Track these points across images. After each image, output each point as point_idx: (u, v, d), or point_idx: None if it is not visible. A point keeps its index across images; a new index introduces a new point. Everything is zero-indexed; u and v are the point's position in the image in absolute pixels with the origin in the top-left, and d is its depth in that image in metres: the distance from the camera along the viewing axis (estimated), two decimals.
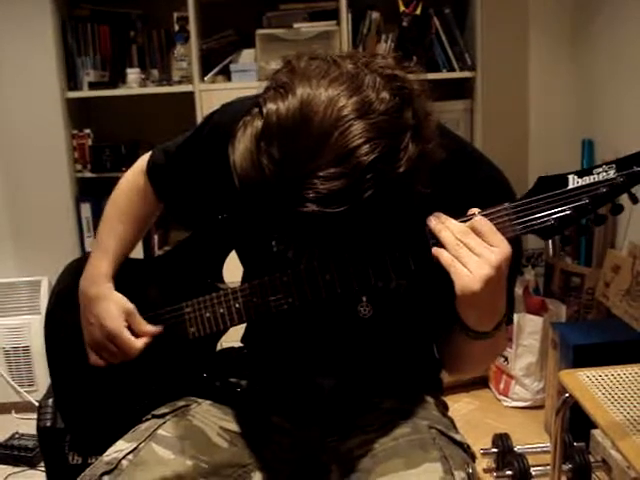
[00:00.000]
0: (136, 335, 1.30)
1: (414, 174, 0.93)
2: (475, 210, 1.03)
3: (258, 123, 0.92)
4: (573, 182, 1.03)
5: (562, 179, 1.03)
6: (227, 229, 1.30)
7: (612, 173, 1.01)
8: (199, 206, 1.34)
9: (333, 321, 1.24)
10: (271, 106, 0.92)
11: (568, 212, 1.02)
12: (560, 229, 1.03)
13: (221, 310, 1.24)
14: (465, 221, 1.03)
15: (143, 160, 1.41)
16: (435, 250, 1.02)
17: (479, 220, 1.01)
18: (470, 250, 0.99)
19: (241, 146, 0.93)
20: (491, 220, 1.02)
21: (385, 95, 0.92)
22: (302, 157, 0.89)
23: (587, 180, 1.02)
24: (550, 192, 1.03)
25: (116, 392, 1.38)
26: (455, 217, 1.03)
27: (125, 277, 1.37)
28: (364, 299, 1.19)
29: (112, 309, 1.31)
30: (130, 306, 1.31)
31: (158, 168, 1.37)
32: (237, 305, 1.22)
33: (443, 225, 1.02)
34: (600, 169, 1.02)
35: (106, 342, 1.31)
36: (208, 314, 1.25)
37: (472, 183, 1.14)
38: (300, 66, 0.96)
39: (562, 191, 1.02)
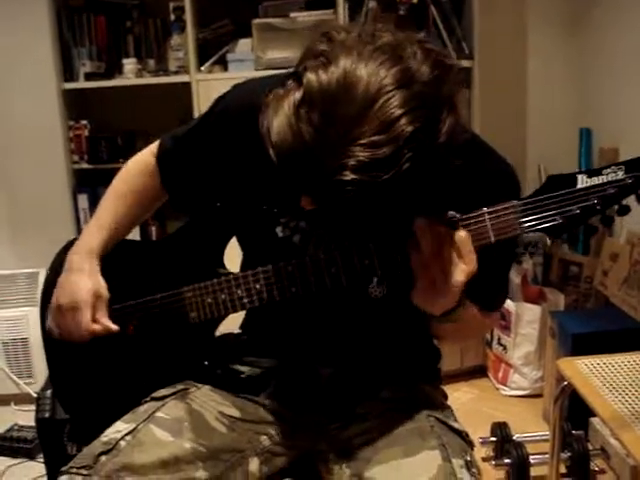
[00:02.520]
0: (95, 320, 1.30)
1: (449, 148, 0.93)
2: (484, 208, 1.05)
3: (296, 93, 0.91)
4: (582, 182, 1.03)
5: (571, 178, 1.04)
6: (230, 215, 1.29)
7: (621, 174, 1.03)
8: (206, 190, 1.34)
9: (341, 304, 1.23)
10: (312, 75, 0.91)
11: (576, 212, 1.03)
12: (568, 228, 1.04)
13: (223, 296, 1.23)
14: (477, 216, 1.04)
15: (155, 144, 1.40)
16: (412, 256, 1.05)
17: (463, 237, 1.02)
18: (440, 260, 1.03)
19: (277, 117, 0.92)
20: (499, 217, 1.04)
21: (426, 67, 0.92)
22: (344, 124, 0.88)
23: (596, 180, 1.03)
24: (559, 191, 1.04)
25: (114, 378, 1.37)
26: (462, 208, 1.05)
27: (125, 258, 1.37)
28: (374, 280, 1.20)
29: (88, 286, 1.30)
30: (104, 293, 1.31)
31: (167, 153, 1.36)
32: (240, 292, 1.22)
33: (427, 230, 1.03)
34: (609, 170, 1.03)
35: (67, 311, 1.30)
36: (209, 300, 1.25)
37: (483, 175, 1.15)
38: (340, 36, 0.95)
39: (571, 190, 1.03)
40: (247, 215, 1.27)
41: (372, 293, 1.20)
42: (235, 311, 1.24)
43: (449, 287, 1.03)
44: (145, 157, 1.40)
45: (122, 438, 1.18)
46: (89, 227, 1.38)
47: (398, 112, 0.88)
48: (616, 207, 1.03)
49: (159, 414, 1.23)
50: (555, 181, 1.05)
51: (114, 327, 1.30)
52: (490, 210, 1.05)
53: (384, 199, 0.91)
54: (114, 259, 1.36)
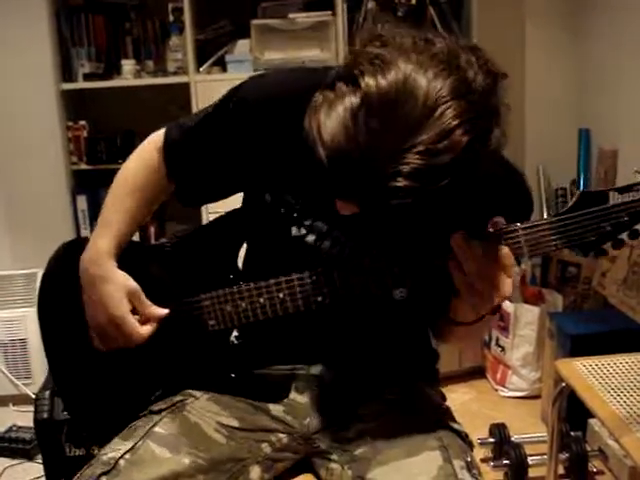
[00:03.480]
0: (142, 317, 1.26)
1: (495, 157, 0.95)
2: (518, 224, 1.06)
3: (352, 97, 0.91)
4: (614, 199, 1.04)
5: (603, 195, 1.05)
6: (245, 216, 1.28)
7: None
8: (218, 183, 1.31)
9: (358, 310, 1.22)
10: (370, 80, 0.90)
11: (608, 228, 1.04)
12: (599, 244, 1.05)
13: (244, 305, 1.22)
14: (511, 231, 1.05)
15: (158, 135, 1.34)
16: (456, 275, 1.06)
17: (507, 253, 1.04)
18: (487, 277, 1.04)
19: (331, 119, 0.91)
20: (534, 232, 1.05)
21: (481, 75, 0.93)
22: (402, 131, 0.88)
23: (627, 197, 1.04)
24: (592, 208, 1.05)
25: (123, 380, 1.35)
26: (480, 222, 1.06)
27: (138, 263, 1.33)
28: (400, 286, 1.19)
29: (116, 293, 1.25)
30: (134, 285, 1.26)
31: (175, 145, 1.32)
32: (262, 300, 1.20)
33: (469, 252, 1.04)
34: (639, 187, 1.04)
35: (110, 328, 1.26)
36: (229, 308, 1.23)
37: (504, 187, 1.15)
38: (394, 40, 0.95)
39: (603, 207, 1.05)
40: (262, 215, 1.26)
41: (396, 295, 1.20)
42: (257, 320, 1.22)
43: (498, 300, 1.05)
44: (147, 151, 1.35)
45: (121, 457, 1.16)
46: (97, 230, 1.32)
47: (455, 122, 0.89)
48: None
49: (156, 429, 1.22)
50: (587, 197, 1.06)
51: (164, 311, 1.26)
52: (524, 226, 1.06)
53: (431, 208, 0.92)
54: (126, 264, 1.31)
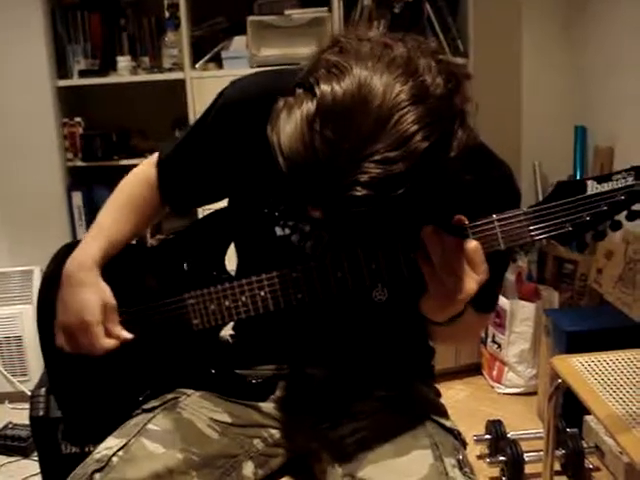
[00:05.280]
0: (107, 332, 1.27)
1: (459, 160, 0.93)
2: (494, 215, 1.05)
3: (309, 104, 0.90)
4: (592, 188, 1.03)
5: (581, 185, 1.04)
6: (231, 216, 1.28)
7: (630, 180, 1.02)
8: (208, 192, 1.32)
9: (342, 308, 1.23)
10: (325, 87, 0.89)
11: (587, 218, 1.03)
12: (577, 235, 1.04)
13: (227, 303, 1.22)
14: (486, 224, 1.04)
15: (154, 155, 1.37)
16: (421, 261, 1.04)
17: (474, 247, 1.02)
18: (452, 271, 1.02)
19: (289, 127, 0.90)
20: (509, 224, 1.04)
21: (440, 80, 0.91)
22: (358, 140, 0.87)
23: (606, 187, 1.03)
24: (569, 198, 1.03)
25: (115, 381, 1.36)
26: (465, 215, 1.04)
27: (124, 263, 1.34)
28: (379, 284, 1.19)
29: (94, 300, 1.26)
30: (112, 302, 1.27)
31: (167, 160, 1.33)
32: (244, 299, 1.20)
33: (438, 239, 1.02)
34: (619, 176, 1.03)
35: (79, 332, 1.27)
36: (213, 307, 1.23)
37: (487, 181, 1.14)
38: (351, 46, 0.94)
39: (581, 197, 1.03)
40: (246, 215, 1.26)
41: (376, 297, 1.20)
42: (239, 318, 1.22)
43: (461, 297, 1.02)
44: (145, 168, 1.37)
45: (114, 454, 1.16)
46: (89, 235, 1.34)
47: (413, 128, 0.87)
48: (625, 212, 1.03)
49: (150, 426, 1.22)
50: (564, 187, 1.04)
51: (129, 336, 1.27)
52: (500, 217, 1.05)
53: (395, 212, 0.91)
54: (113, 264, 1.33)
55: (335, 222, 0.95)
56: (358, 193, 0.87)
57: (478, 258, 1.02)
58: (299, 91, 0.92)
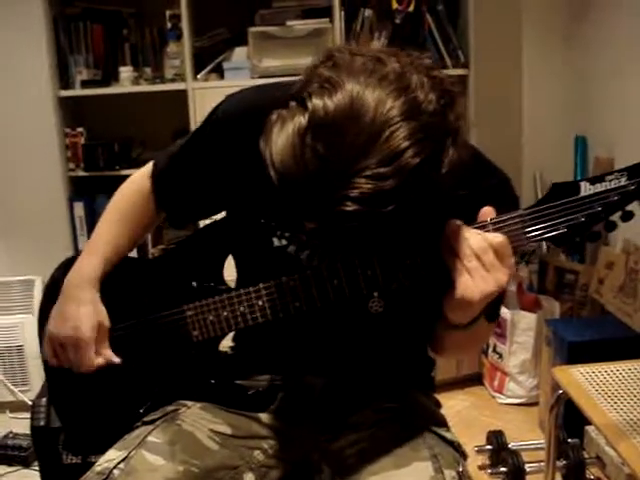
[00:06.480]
0: (97, 353, 1.28)
1: (452, 176, 0.93)
2: (489, 214, 1.05)
3: (301, 118, 0.90)
4: (585, 189, 1.03)
5: (574, 186, 1.04)
6: (228, 228, 1.28)
7: (624, 180, 1.03)
8: (204, 205, 1.33)
9: (340, 319, 1.23)
10: (317, 101, 0.90)
11: (581, 219, 1.03)
12: (572, 236, 1.04)
13: (225, 314, 1.22)
14: (481, 227, 1.04)
15: (149, 165, 1.37)
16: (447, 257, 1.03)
17: (502, 241, 1.02)
18: (482, 265, 1.01)
19: (281, 141, 0.91)
20: (504, 227, 1.04)
21: (432, 97, 0.92)
22: (349, 155, 0.87)
23: (599, 187, 1.03)
24: (563, 199, 1.04)
25: (115, 393, 1.36)
26: (465, 221, 1.04)
27: (123, 276, 1.35)
28: (375, 294, 1.19)
29: (90, 319, 1.28)
30: (106, 323, 1.29)
31: (162, 173, 1.34)
32: (242, 309, 1.20)
33: (463, 234, 1.02)
34: (612, 176, 1.03)
35: (70, 346, 1.28)
36: (212, 317, 1.24)
37: (484, 188, 1.14)
38: (344, 61, 0.94)
39: (575, 198, 1.04)
40: (244, 226, 1.26)
41: (372, 308, 1.20)
42: (238, 328, 1.23)
43: (491, 291, 1.01)
44: (139, 179, 1.37)
45: (115, 467, 1.16)
46: (86, 251, 1.35)
47: (404, 144, 0.87)
48: (619, 213, 1.03)
49: (150, 438, 1.22)
50: (559, 189, 1.05)
51: (116, 360, 1.29)
52: (494, 220, 1.05)
53: (386, 226, 0.91)
54: (112, 276, 1.33)
55: (328, 235, 0.96)
56: (349, 208, 0.88)
57: (507, 250, 1.02)
58: (292, 104, 0.93)
